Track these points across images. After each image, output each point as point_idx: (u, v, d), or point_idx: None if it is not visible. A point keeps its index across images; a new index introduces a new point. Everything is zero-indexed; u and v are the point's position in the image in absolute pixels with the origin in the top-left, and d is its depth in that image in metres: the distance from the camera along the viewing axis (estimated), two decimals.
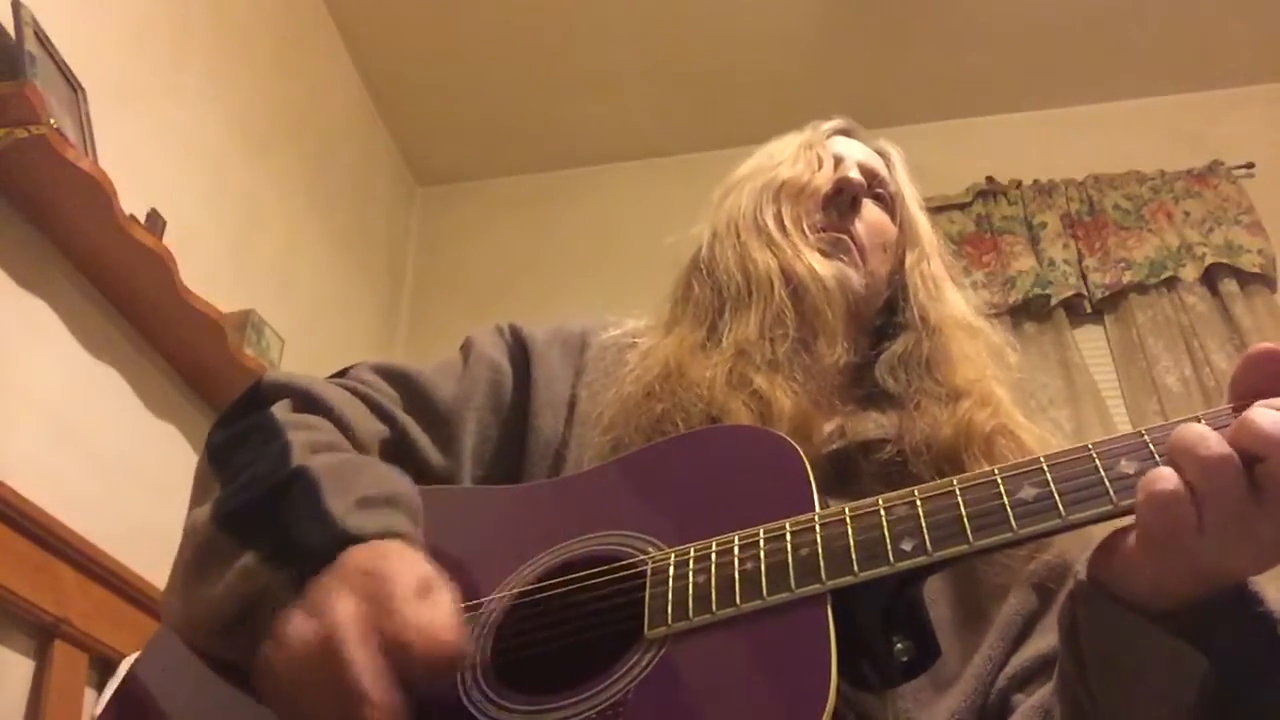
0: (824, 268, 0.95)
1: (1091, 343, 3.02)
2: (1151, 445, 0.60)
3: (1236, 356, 2.76)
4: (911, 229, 1.04)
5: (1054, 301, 2.99)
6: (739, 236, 1.00)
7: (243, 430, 0.83)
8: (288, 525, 0.71)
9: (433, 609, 0.63)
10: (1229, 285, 2.94)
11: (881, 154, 1.09)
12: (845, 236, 0.99)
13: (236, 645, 0.71)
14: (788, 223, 0.99)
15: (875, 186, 1.05)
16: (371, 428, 0.88)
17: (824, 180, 1.01)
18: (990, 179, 3.24)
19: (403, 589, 0.63)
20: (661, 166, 3.52)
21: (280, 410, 0.84)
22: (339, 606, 0.62)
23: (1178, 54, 3.24)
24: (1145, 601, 0.61)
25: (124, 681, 0.80)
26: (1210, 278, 2.97)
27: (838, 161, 1.04)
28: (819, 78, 3.31)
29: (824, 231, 0.99)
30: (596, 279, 3.23)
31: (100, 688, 1.77)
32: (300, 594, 0.66)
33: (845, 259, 0.98)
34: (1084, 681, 0.66)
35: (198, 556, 0.75)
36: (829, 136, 1.08)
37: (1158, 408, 2.78)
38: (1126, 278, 3.00)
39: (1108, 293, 3.01)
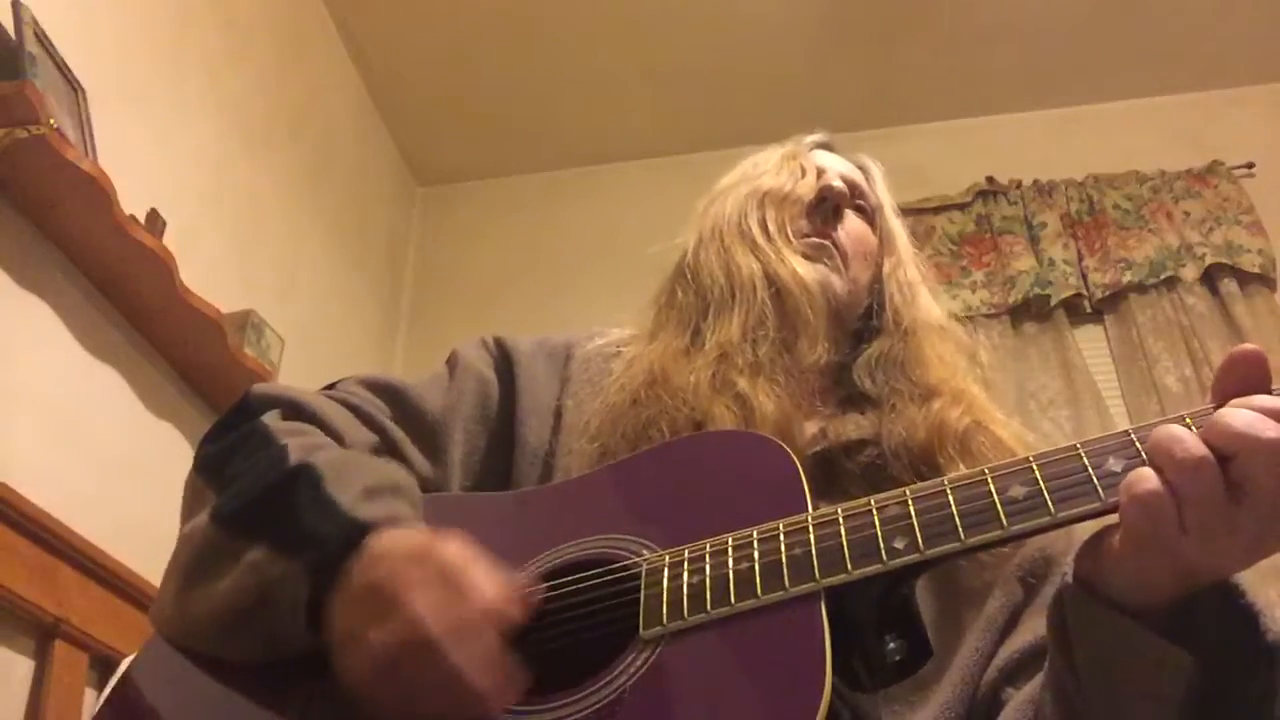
0: (807, 271, 0.97)
1: (1091, 343, 3.02)
2: (1139, 444, 0.62)
3: None
4: (890, 240, 1.07)
5: (1054, 301, 2.99)
6: (723, 241, 1.02)
7: (234, 441, 0.83)
8: (296, 518, 0.72)
9: (489, 577, 0.66)
10: (1229, 285, 2.94)
11: (861, 168, 1.11)
12: (828, 242, 1.01)
13: (242, 642, 0.72)
14: (772, 228, 1.00)
15: (856, 198, 1.06)
16: (361, 437, 0.89)
17: (807, 188, 1.03)
18: (990, 179, 3.24)
19: (464, 566, 0.65)
20: (661, 166, 3.52)
21: (271, 419, 0.84)
22: (417, 601, 0.63)
23: (1178, 54, 3.24)
24: (1129, 598, 0.62)
25: (118, 683, 0.80)
26: (1210, 278, 2.97)
27: (820, 172, 1.06)
28: (819, 78, 3.31)
29: (808, 237, 1.01)
30: (596, 279, 3.23)
31: (100, 688, 1.77)
32: (316, 581, 0.67)
33: (829, 263, 1.00)
34: (1074, 678, 0.67)
35: (197, 558, 0.76)
36: (811, 149, 1.10)
37: (1158, 408, 2.78)
38: (1126, 278, 3.00)
39: (1108, 293, 3.01)
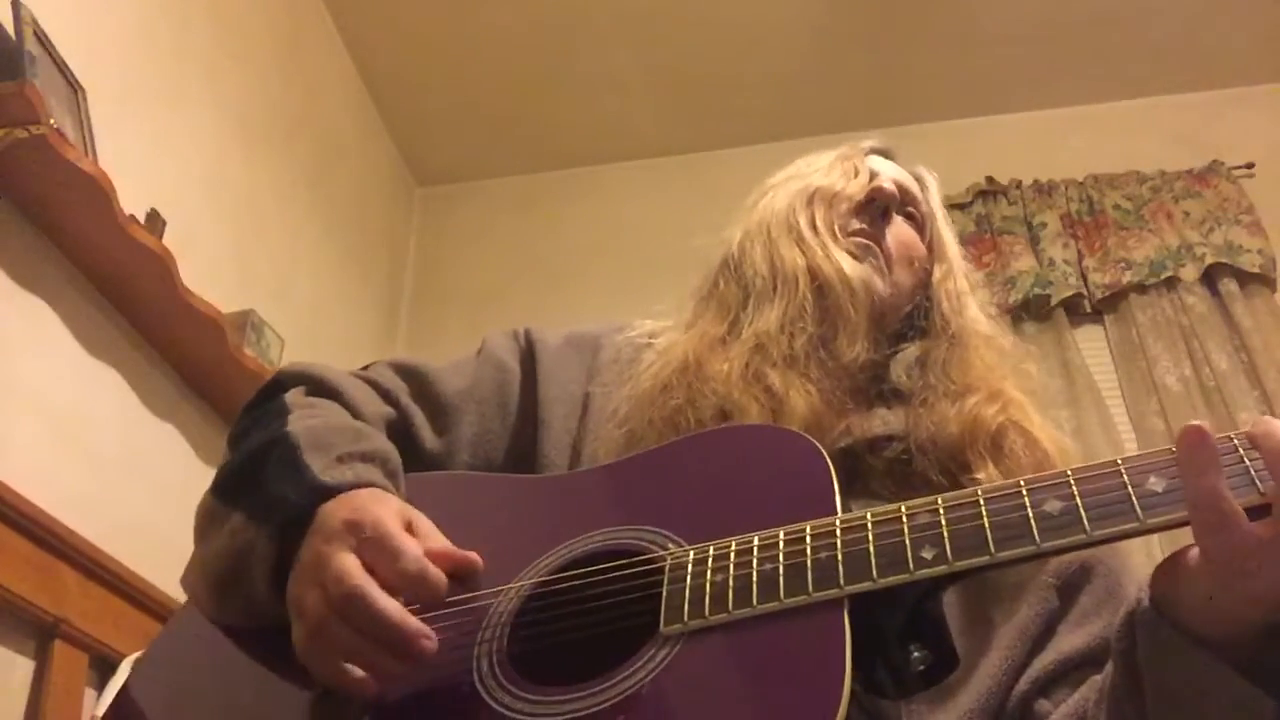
0: (853, 268, 0.96)
1: (1091, 343, 3.02)
2: None
3: (1236, 356, 2.78)
4: (941, 249, 1.05)
5: (1054, 301, 2.99)
6: (769, 234, 1.01)
7: (256, 416, 0.89)
8: (267, 482, 0.77)
9: (422, 537, 0.70)
10: (1229, 285, 2.94)
11: (917, 178, 1.10)
12: (873, 244, 1.00)
13: (231, 604, 0.77)
14: (819, 224, 1.00)
15: (907, 204, 1.05)
16: (378, 410, 0.93)
17: (858, 188, 1.02)
18: (990, 179, 3.24)
19: (390, 524, 0.69)
20: (661, 166, 3.52)
21: (292, 395, 0.89)
22: (340, 562, 0.67)
23: (1177, 54, 3.24)
24: (1209, 624, 0.60)
25: (128, 679, 0.81)
26: (1210, 278, 2.97)
27: (873, 174, 1.05)
28: (819, 78, 3.31)
29: (854, 236, 1.00)
30: (596, 279, 3.23)
31: (100, 688, 1.76)
32: (280, 548, 0.72)
33: (873, 263, 0.98)
34: (1138, 706, 0.65)
35: (199, 525, 0.82)
36: (867, 154, 1.09)
37: (1158, 408, 2.79)
38: (1126, 278, 3.00)
39: (1108, 293, 3.01)
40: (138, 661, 0.84)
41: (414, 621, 0.65)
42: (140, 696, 0.81)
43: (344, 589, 0.65)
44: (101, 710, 0.85)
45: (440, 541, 0.71)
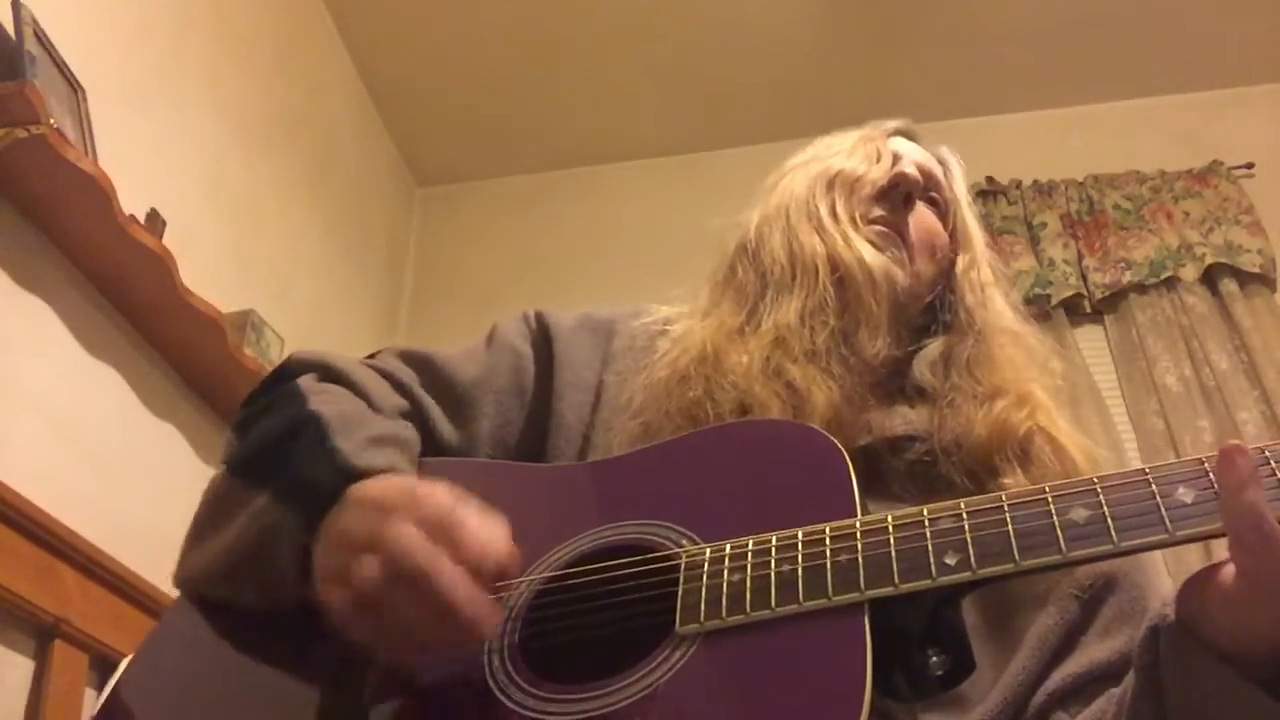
0: (873, 259, 0.93)
1: (1091, 343, 3.02)
2: (1211, 474, 0.59)
3: (1236, 356, 2.78)
4: (965, 236, 1.02)
5: (1054, 301, 2.99)
6: (788, 220, 0.98)
7: (266, 403, 0.86)
8: (298, 464, 0.74)
9: (479, 514, 0.66)
10: (1229, 285, 2.94)
11: (941, 161, 1.06)
12: (894, 232, 0.97)
13: (244, 585, 0.75)
14: (840, 211, 0.96)
15: (930, 189, 1.02)
16: (391, 401, 0.90)
17: (880, 174, 0.99)
18: (990, 179, 3.24)
19: (447, 499, 0.66)
20: (661, 166, 3.52)
21: (305, 381, 0.86)
22: (406, 535, 0.64)
23: (1177, 54, 3.24)
24: (1235, 641, 0.59)
25: (118, 680, 0.80)
26: (1210, 278, 2.97)
27: (896, 158, 1.01)
28: (819, 78, 3.31)
29: (875, 224, 0.97)
30: (596, 279, 3.23)
31: (100, 688, 1.77)
32: (312, 529, 0.69)
33: (894, 253, 0.95)
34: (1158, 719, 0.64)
35: (211, 507, 0.79)
36: (890, 135, 1.05)
37: (1158, 408, 2.79)
38: (1126, 278, 3.00)
39: (1108, 293, 3.01)
40: (128, 662, 0.83)
41: (483, 603, 0.63)
42: (130, 697, 0.80)
43: (412, 563, 0.62)
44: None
45: (497, 528, 0.67)
